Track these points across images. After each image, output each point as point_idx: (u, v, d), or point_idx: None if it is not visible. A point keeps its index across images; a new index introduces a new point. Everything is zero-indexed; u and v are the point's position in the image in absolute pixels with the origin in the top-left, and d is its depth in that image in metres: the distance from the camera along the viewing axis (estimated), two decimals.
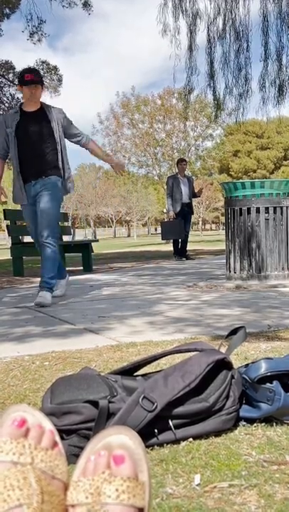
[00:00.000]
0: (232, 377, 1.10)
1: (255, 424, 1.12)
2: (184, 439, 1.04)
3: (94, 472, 0.61)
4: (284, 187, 4.08)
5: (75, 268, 7.05)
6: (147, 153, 26.87)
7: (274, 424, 1.12)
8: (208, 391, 1.07)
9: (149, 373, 1.22)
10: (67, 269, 6.82)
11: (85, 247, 6.56)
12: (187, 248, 8.33)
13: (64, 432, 0.99)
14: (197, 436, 1.05)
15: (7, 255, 9.56)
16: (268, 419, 1.12)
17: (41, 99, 3.55)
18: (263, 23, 8.70)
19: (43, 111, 3.52)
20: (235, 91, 9.07)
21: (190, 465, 0.94)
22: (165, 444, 1.03)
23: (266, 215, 4.07)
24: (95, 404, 1.00)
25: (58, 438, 0.68)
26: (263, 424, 1.12)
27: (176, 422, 1.04)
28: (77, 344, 2.08)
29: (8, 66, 14.68)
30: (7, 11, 13.95)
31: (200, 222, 57.64)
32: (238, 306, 3.01)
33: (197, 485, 0.86)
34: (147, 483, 0.62)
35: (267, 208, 4.07)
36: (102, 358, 1.80)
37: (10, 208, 6.82)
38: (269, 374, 1.11)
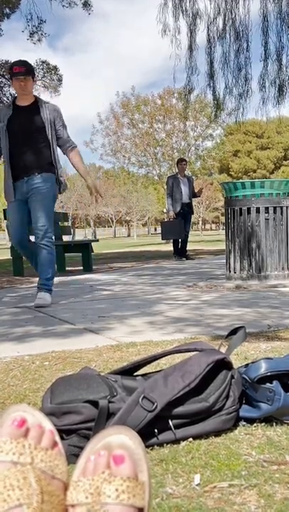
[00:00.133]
0: (232, 377, 1.10)
1: (255, 424, 1.12)
2: (184, 439, 1.04)
3: (94, 472, 0.61)
4: (284, 187, 4.08)
5: (75, 268, 7.05)
6: (147, 153, 26.86)
7: (274, 424, 1.12)
8: (208, 391, 1.07)
9: (149, 373, 1.22)
10: (67, 268, 6.86)
11: (85, 247, 6.56)
12: (187, 248, 8.33)
13: (64, 432, 0.99)
14: (197, 436, 1.05)
15: (7, 255, 9.57)
16: (268, 419, 1.12)
17: (42, 99, 3.50)
18: (263, 23, 8.71)
19: (37, 105, 3.40)
20: (235, 91, 9.08)
21: (190, 465, 0.94)
22: (165, 444, 1.03)
23: (266, 215, 4.07)
24: (94, 404, 1.00)
25: (57, 438, 0.68)
26: (262, 424, 1.12)
27: (176, 421, 1.04)
28: (77, 344, 2.08)
29: (8, 66, 14.67)
30: (7, 10, 13.95)
31: (200, 222, 57.64)
32: (238, 306, 3.01)
33: (197, 485, 0.86)
34: (147, 483, 0.62)
35: (267, 208, 4.07)
36: (102, 357, 1.80)
37: None
38: (269, 374, 1.11)
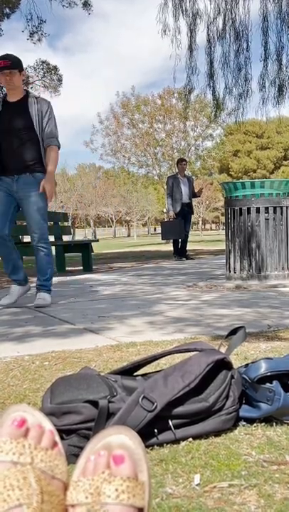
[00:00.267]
0: (232, 377, 1.10)
1: (255, 424, 1.12)
2: (184, 439, 1.04)
3: (94, 472, 0.62)
4: (284, 187, 4.08)
5: (75, 268, 7.05)
6: (147, 153, 26.87)
7: (274, 424, 1.12)
8: (208, 391, 1.07)
9: (149, 373, 1.22)
10: (67, 268, 6.86)
11: (85, 246, 6.56)
12: (187, 248, 8.33)
13: (64, 432, 0.99)
14: (197, 436, 1.06)
15: None
16: (268, 419, 1.12)
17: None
18: (263, 23, 8.71)
19: (26, 101, 3.29)
20: (235, 91, 9.07)
21: (190, 465, 0.94)
22: (165, 444, 1.03)
23: (266, 215, 4.07)
24: (94, 404, 1.00)
25: (57, 438, 0.68)
26: (262, 424, 1.12)
27: (176, 421, 1.04)
28: (77, 344, 2.08)
29: None
30: (7, 10, 13.96)
31: (200, 222, 57.67)
32: (238, 306, 3.02)
33: (197, 485, 0.86)
34: (147, 483, 0.62)
35: (267, 208, 4.07)
36: (102, 357, 1.80)
37: None
38: (269, 374, 1.11)
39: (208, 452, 0.99)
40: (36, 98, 3.34)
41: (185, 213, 8.12)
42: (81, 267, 6.72)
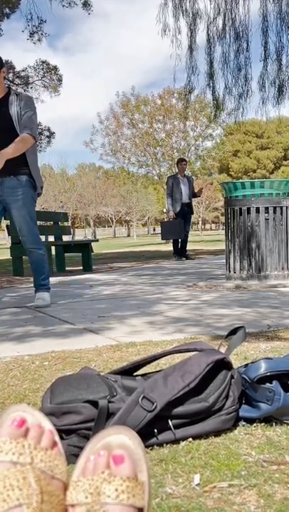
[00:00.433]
0: (232, 377, 1.10)
1: (254, 424, 1.12)
2: (184, 439, 1.04)
3: (93, 472, 0.62)
4: (284, 187, 4.08)
5: (74, 268, 7.05)
6: (147, 153, 26.87)
7: (273, 424, 1.12)
8: (208, 391, 1.07)
9: (149, 373, 1.22)
10: (67, 268, 6.86)
11: (84, 246, 6.56)
12: (187, 248, 8.33)
13: (64, 432, 0.99)
14: (197, 436, 1.06)
15: (7, 255, 9.57)
16: (268, 419, 1.12)
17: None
18: (263, 23, 8.71)
19: (7, 100, 3.17)
20: (235, 91, 9.07)
21: (189, 465, 0.94)
22: (165, 444, 1.03)
23: (266, 215, 4.07)
24: (94, 404, 1.00)
25: (57, 438, 0.68)
26: (262, 424, 1.12)
27: (176, 421, 1.04)
28: (77, 344, 2.08)
29: (8, 66, 14.68)
30: (7, 10, 13.96)
31: (200, 222, 57.65)
32: (238, 306, 3.02)
33: (197, 485, 0.86)
34: (147, 483, 0.62)
35: (267, 208, 4.07)
36: (102, 357, 1.80)
37: None
38: (269, 374, 1.11)
39: (208, 452, 0.99)
40: (17, 95, 3.23)
41: (185, 213, 8.12)
42: (81, 267, 6.72)
